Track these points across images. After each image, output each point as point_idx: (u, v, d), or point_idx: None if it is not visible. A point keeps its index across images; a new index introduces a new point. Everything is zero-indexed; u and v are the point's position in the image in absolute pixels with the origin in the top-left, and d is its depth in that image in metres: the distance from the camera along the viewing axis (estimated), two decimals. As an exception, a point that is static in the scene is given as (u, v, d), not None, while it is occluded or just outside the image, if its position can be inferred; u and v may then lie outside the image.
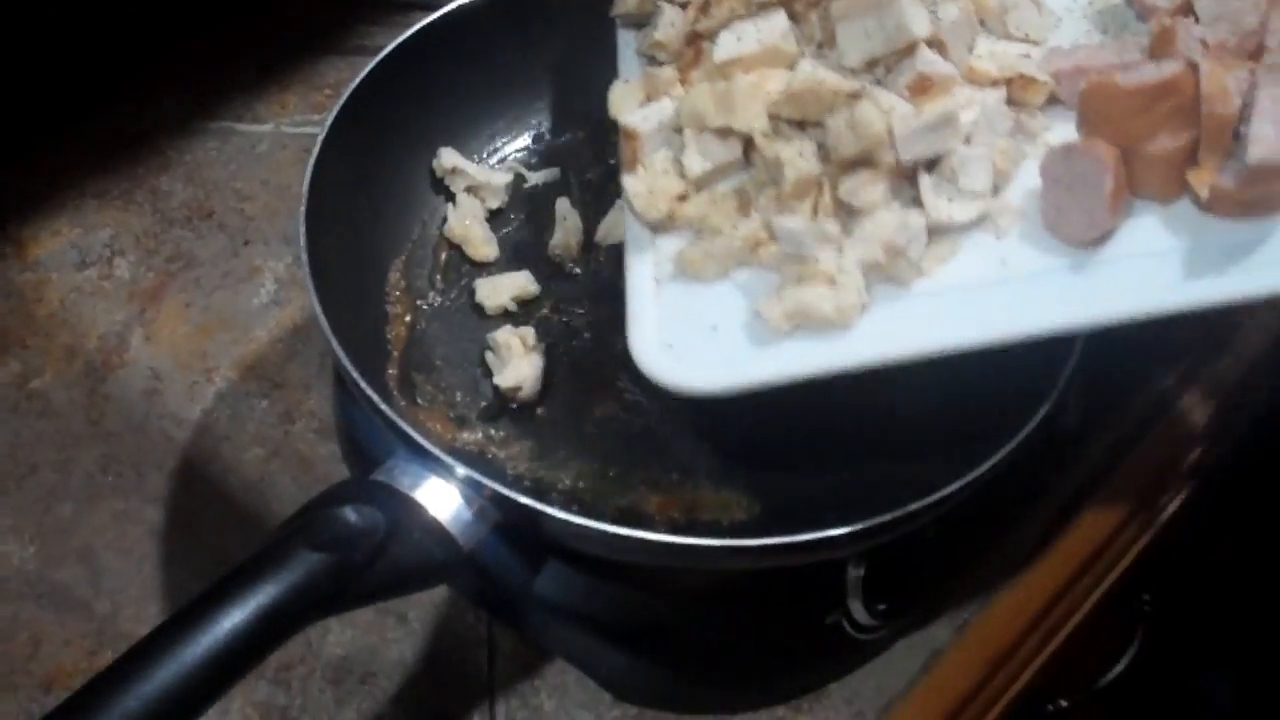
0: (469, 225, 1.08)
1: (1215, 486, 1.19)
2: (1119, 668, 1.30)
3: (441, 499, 0.78)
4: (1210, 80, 0.75)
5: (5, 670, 0.97)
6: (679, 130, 0.89)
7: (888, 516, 0.79)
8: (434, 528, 0.77)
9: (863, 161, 0.81)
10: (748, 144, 0.87)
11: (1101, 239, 0.78)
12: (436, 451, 0.79)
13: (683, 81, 0.91)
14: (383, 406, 0.81)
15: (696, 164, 0.87)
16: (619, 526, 0.78)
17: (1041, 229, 0.80)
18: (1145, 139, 0.77)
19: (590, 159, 1.14)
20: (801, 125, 0.85)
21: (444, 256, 1.08)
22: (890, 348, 0.78)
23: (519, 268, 1.07)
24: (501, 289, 1.04)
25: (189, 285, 1.21)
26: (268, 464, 1.08)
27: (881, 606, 0.91)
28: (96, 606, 1.00)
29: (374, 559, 0.72)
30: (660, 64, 0.95)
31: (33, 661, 0.97)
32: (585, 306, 1.05)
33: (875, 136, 0.80)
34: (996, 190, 0.83)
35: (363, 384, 0.83)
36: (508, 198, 1.12)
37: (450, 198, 1.10)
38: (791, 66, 0.87)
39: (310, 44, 1.42)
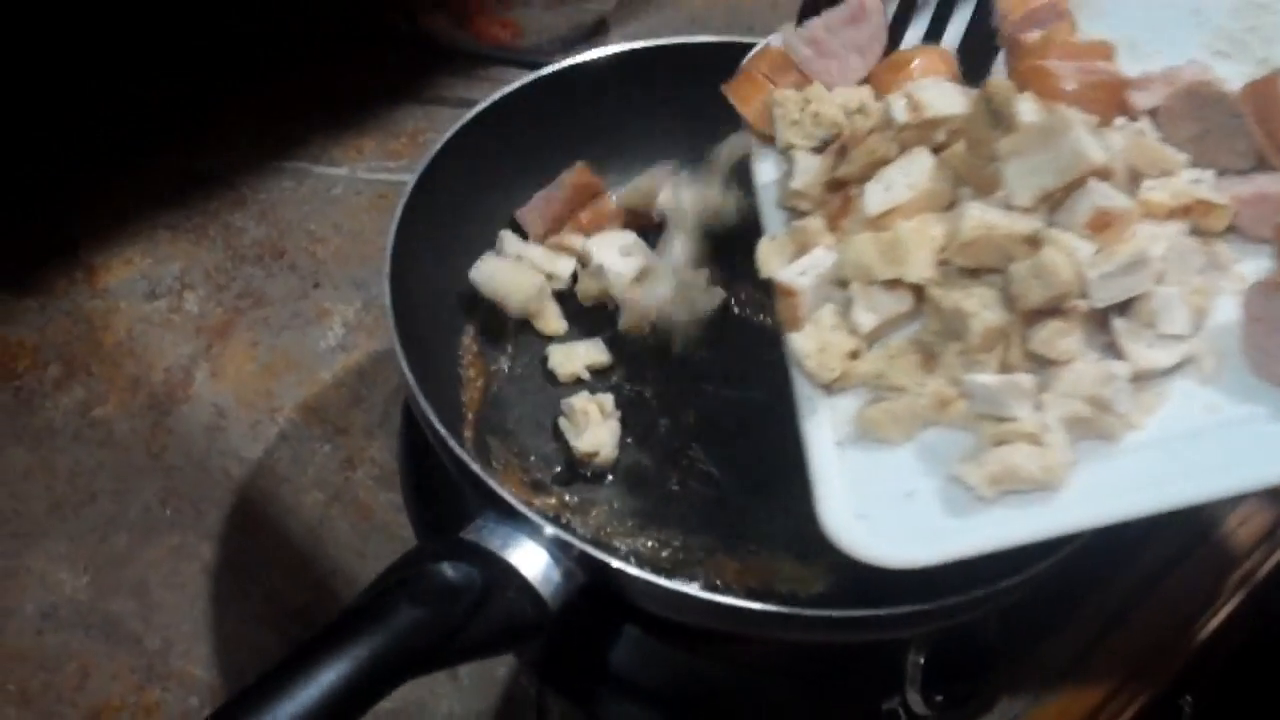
0: (538, 301, 1.07)
1: (1261, 597, 1.18)
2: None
3: (531, 559, 0.77)
4: None
5: (52, 700, 0.96)
6: (841, 284, 0.85)
7: (950, 600, 0.78)
8: (525, 587, 0.76)
9: (1051, 310, 0.76)
10: (918, 292, 0.83)
11: None
12: (527, 512, 0.78)
13: (833, 229, 0.87)
14: (473, 466, 0.81)
15: (866, 319, 0.83)
16: (703, 590, 0.79)
17: (1247, 371, 0.75)
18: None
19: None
20: (975, 272, 0.81)
21: (514, 322, 1.08)
22: (1105, 509, 0.72)
23: (590, 335, 1.07)
24: (574, 357, 1.05)
25: (257, 323, 1.21)
26: (327, 509, 1.08)
27: (939, 698, 0.91)
28: (147, 641, 1.00)
29: (471, 617, 0.72)
30: (804, 214, 0.91)
31: (80, 693, 0.97)
32: (656, 376, 1.05)
33: (1064, 284, 0.75)
34: (1196, 330, 0.77)
35: (451, 443, 0.82)
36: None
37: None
38: (948, 207, 0.84)
39: (388, 91, 1.43)
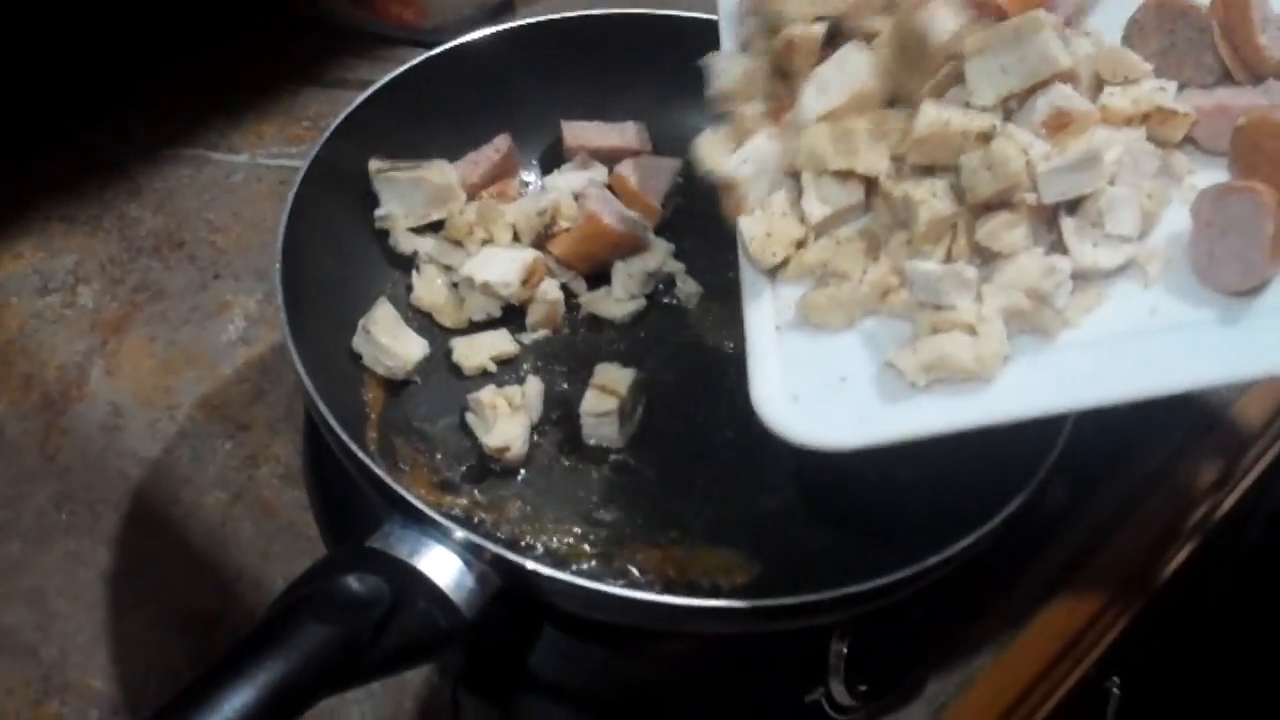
0: (436, 292, 1.04)
1: (1196, 573, 1.18)
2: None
3: (442, 566, 0.75)
4: None
5: (-57, 717, 0.93)
6: (793, 174, 0.85)
7: (871, 583, 0.78)
8: (438, 596, 0.74)
9: (1000, 203, 0.76)
10: (870, 185, 0.83)
11: (1257, 288, 0.73)
12: (436, 516, 0.76)
13: (775, 119, 0.87)
14: (378, 473, 0.79)
15: (817, 209, 0.83)
16: (623, 588, 0.77)
17: (1191, 277, 0.75)
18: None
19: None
20: (928, 170, 0.81)
21: (416, 314, 1.05)
22: (1035, 402, 0.73)
23: (496, 326, 1.04)
24: (480, 348, 1.02)
25: (154, 317, 1.17)
26: (229, 509, 1.04)
27: (863, 687, 0.90)
28: (43, 652, 0.96)
29: (381, 630, 0.70)
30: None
31: (-28, 709, 0.93)
32: (567, 365, 1.03)
33: (1014, 175, 0.75)
34: (1143, 235, 0.78)
35: (355, 450, 0.80)
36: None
37: (415, 265, 1.06)
38: (891, 104, 0.83)
39: (290, 75, 1.40)
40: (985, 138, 0.77)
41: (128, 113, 1.33)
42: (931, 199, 0.78)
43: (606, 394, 0.96)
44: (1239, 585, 1.52)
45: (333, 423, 0.81)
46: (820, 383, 0.77)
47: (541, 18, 1.12)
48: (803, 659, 0.89)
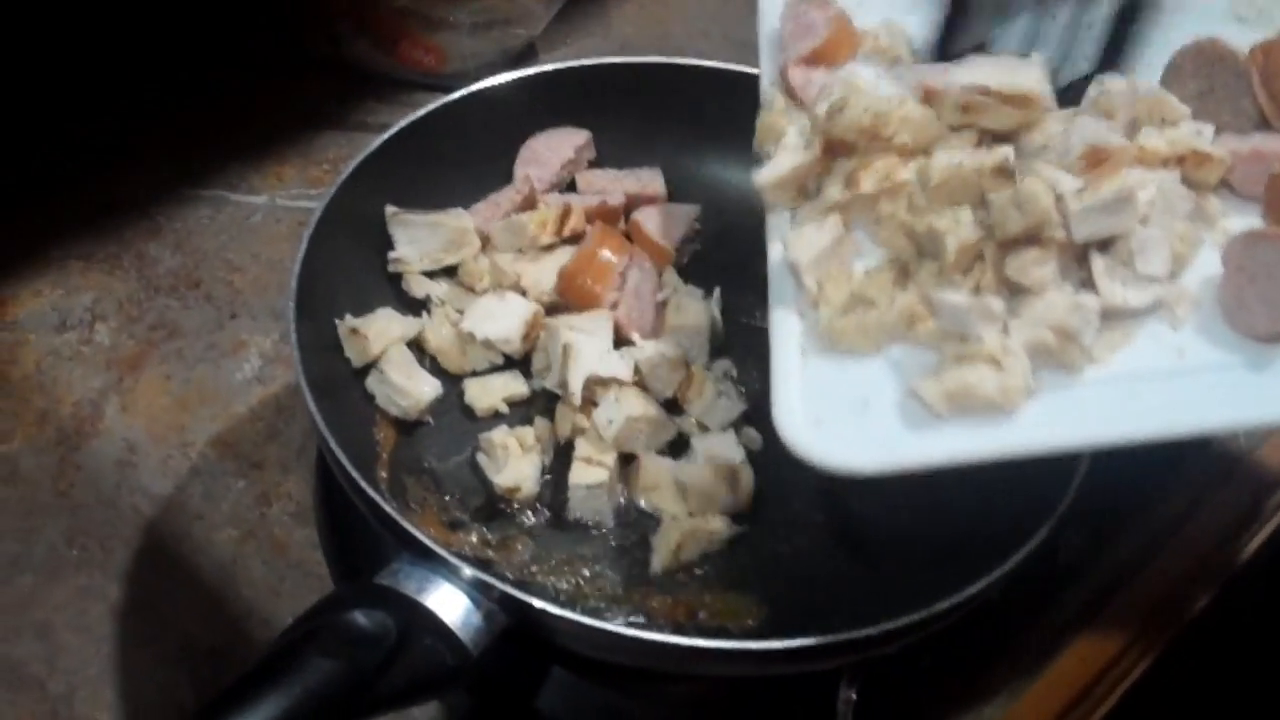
0: (444, 338, 1.04)
1: (1213, 621, 1.16)
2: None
3: (449, 603, 0.75)
4: None
5: (-52, 750, 0.92)
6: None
7: (876, 628, 0.78)
8: (444, 633, 0.74)
9: (1029, 240, 0.77)
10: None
11: None
12: (444, 554, 0.76)
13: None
14: (387, 509, 0.79)
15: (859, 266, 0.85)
16: (629, 628, 0.78)
17: (1219, 321, 0.76)
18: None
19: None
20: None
21: (429, 358, 1.05)
22: (1056, 437, 0.74)
23: (507, 368, 1.04)
24: (491, 391, 1.02)
25: (170, 356, 1.17)
26: (240, 546, 1.04)
27: (873, 733, 0.89)
28: (51, 686, 0.96)
29: (386, 666, 0.70)
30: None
31: (-23, 742, 0.93)
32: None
33: (1043, 213, 0.76)
34: (1173, 276, 0.79)
35: (364, 485, 0.81)
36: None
37: (427, 308, 1.07)
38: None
39: (310, 117, 1.40)
40: (1001, 172, 0.78)
41: (149, 152, 1.34)
42: (958, 226, 0.79)
43: (594, 465, 0.95)
44: (1261, 630, 1.50)
45: (343, 459, 0.82)
46: (843, 407, 0.78)
47: (559, 65, 1.13)
48: (812, 704, 0.89)
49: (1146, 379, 0.75)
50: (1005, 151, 0.79)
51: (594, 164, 1.15)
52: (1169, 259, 0.77)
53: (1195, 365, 0.75)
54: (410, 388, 0.98)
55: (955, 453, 0.74)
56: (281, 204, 1.31)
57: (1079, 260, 0.78)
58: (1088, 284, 0.78)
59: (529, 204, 1.10)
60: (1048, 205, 0.75)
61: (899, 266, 0.83)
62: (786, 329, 0.83)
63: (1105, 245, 0.78)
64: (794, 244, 0.84)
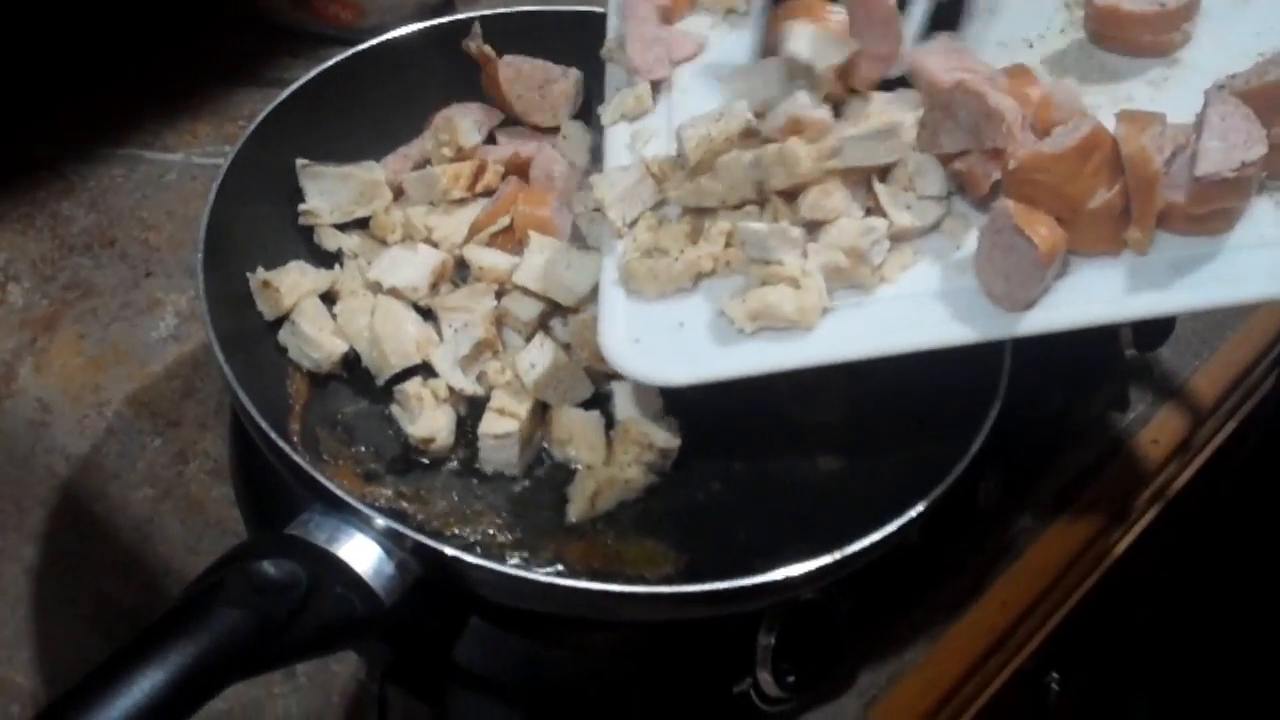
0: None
1: (1133, 564, 1.18)
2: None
3: (361, 553, 0.75)
4: (1128, 143, 0.76)
5: None
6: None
7: (791, 570, 0.78)
8: (356, 582, 0.74)
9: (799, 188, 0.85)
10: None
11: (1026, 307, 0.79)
12: (355, 504, 0.76)
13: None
14: (297, 460, 0.79)
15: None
16: (543, 575, 0.79)
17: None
18: (1084, 199, 0.77)
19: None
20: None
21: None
22: (847, 348, 0.81)
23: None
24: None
25: (85, 315, 1.16)
26: (157, 505, 1.04)
27: (790, 678, 0.91)
28: (-34, 648, 0.95)
29: (295, 616, 0.69)
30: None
31: (-109, 708, 0.92)
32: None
33: (806, 175, 0.84)
34: (950, 194, 0.86)
35: (274, 436, 0.80)
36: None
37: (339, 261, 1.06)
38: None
39: (226, 75, 1.39)
40: (750, 134, 0.87)
41: (61, 111, 1.32)
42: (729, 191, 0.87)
43: (506, 416, 0.95)
44: (1181, 572, 1.52)
45: (253, 411, 0.81)
46: (660, 328, 0.85)
47: (468, 14, 1.11)
48: (730, 650, 0.90)
49: (930, 295, 0.82)
50: (744, 114, 0.87)
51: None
52: (944, 179, 0.85)
53: (973, 281, 0.81)
54: (323, 340, 0.97)
55: (759, 364, 0.82)
56: (196, 161, 1.30)
57: (868, 189, 0.86)
58: (876, 211, 0.85)
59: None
60: (810, 167, 0.84)
61: (694, 224, 0.89)
62: (612, 260, 0.90)
63: (885, 174, 0.86)
64: (599, 184, 0.91)
